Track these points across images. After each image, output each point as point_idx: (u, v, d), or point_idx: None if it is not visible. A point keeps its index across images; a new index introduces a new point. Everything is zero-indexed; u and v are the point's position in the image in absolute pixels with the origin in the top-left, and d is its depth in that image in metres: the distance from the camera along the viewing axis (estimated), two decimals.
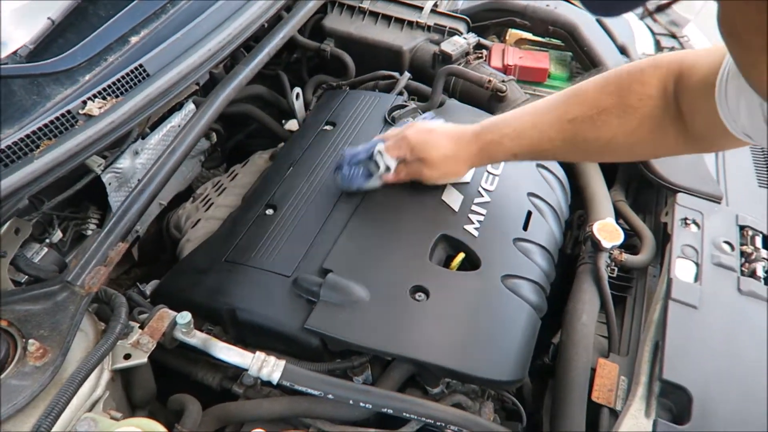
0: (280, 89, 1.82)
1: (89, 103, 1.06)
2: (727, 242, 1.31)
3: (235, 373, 1.11)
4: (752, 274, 1.27)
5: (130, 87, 1.13)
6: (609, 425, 1.10)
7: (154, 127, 1.40)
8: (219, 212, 1.46)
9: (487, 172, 1.32)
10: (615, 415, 1.12)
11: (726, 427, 1.03)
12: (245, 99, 1.76)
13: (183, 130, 1.17)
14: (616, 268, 1.34)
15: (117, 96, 1.10)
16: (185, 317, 0.98)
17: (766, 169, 1.51)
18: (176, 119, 1.48)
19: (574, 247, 1.48)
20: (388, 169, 1.23)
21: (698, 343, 1.14)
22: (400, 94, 1.58)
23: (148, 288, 1.18)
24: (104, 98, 1.08)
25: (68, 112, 1.05)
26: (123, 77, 1.12)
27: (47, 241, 1.23)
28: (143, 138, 1.38)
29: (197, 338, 1.00)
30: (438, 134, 1.23)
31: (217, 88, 1.29)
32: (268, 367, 0.95)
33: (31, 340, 0.88)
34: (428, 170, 1.23)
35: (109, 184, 1.34)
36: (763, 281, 1.25)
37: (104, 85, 1.09)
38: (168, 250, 1.55)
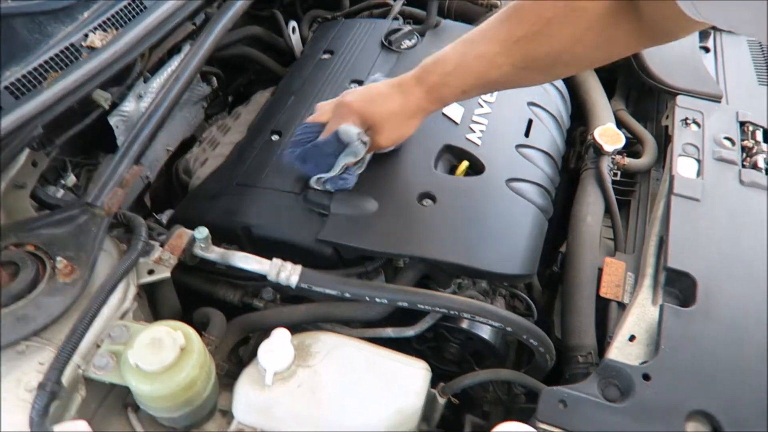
0: (276, 29, 1.83)
1: (91, 35, 1.08)
2: (727, 138, 1.33)
3: (254, 290, 1.15)
4: (753, 166, 1.29)
5: (129, 19, 1.14)
6: (617, 317, 1.14)
7: (154, 71, 1.42)
8: (226, 149, 1.49)
9: None
10: (623, 307, 1.16)
11: (729, 307, 1.06)
12: (243, 41, 1.77)
13: (186, 54, 1.19)
14: (618, 172, 1.37)
15: (117, 28, 1.12)
16: (203, 232, 1.01)
17: (765, 67, 1.51)
18: (176, 62, 1.50)
19: (577, 161, 1.50)
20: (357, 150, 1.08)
21: (701, 233, 1.17)
22: (395, 19, 1.58)
23: (164, 217, 1.22)
24: (105, 30, 1.10)
25: (71, 45, 1.07)
26: (121, 10, 1.14)
27: (63, 183, 1.27)
28: (145, 81, 1.40)
29: (216, 253, 1.04)
30: (378, 90, 1.12)
31: (213, 18, 1.30)
32: (286, 271, 0.99)
33: (58, 258, 0.92)
34: (379, 136, 1.11)
35: (117, 127, 1.37)
36: (764, 172, 1.28)
37: (104, 18, 1.11)
38: (180, 196, 1.59)
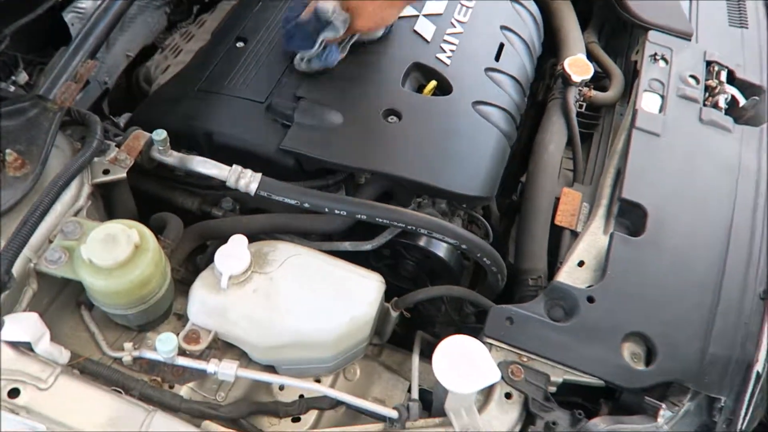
0: None
1: None
2: (692, 76, 1.34)
3: (214, 199, 1.14)
4: (714, 105, 1.31)
5: None
6: (570, 244, 1.18)
7: None
8: (188, 57, 1.43)
9: (461, 4, 1.31)
10: (576, 235, 1.19)
11: (676, 237, 1.11)
12: None
13: None
14: (584, 104, 1.38)
15: None
16: (161, 134, 0.99)
17: (737, 8, 1.52)
18: None
19: (546, 93, 1.50)
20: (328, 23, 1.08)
21: (658, 167, 1.20)
22: None
23: (121, 120, 1.18)
24: None
25: None
26: None
27: (13, 79, 1.22)
28: None
29: (174, 157, 1.02)
30: None
31: None
32: (246, 178, 0.99)
33: (8, 150, 0.89)
34: (359, 18, 1.09)
35: (72, 24, 1.30)
36: (723, 111, 1.30)
37: None
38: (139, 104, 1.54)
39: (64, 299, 0.95)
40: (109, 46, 1.43)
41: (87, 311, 0.96)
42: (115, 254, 0.82)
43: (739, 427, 0.95)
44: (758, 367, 0.98)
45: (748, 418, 0.96)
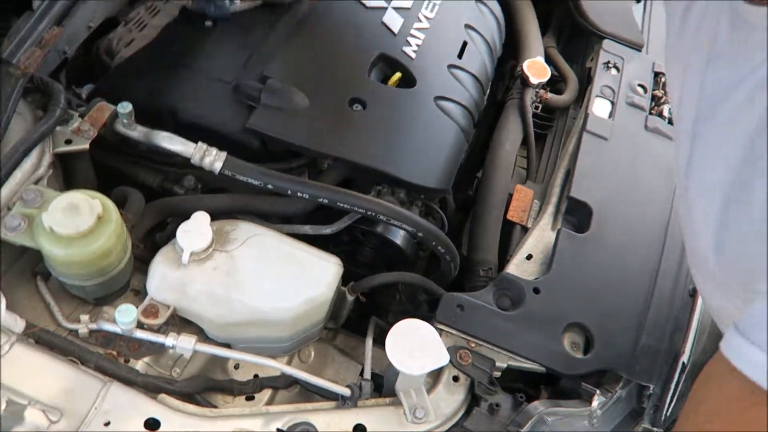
0: None
1: None
2: (641, 85, 1.43)
3: (176, 176, 1.14)
4: (659, 114, 1.40)
5: None
6: (520, 238, 1.24)
7: None
8: (154, 32, 1.41)
9: None
10: (526, 230, 1.26)
11: (618, 235, 1.18)
12: None
13: None
14: (540, 105, 1.44)
15: None
16: (126, 107, 0.99)
17: None
18: None
19: (504, 94, 1.56)
20: None
21: (605, 169, 1.27)
22: None
23: (84, 91, 1.16)
24: None
25: None
26: None
27: None
28: None
29: (138, 131, 1.02)
30: None
31: None
32: (210, 156, 1.00)
33: None
34: None
35: None
36: (667, 120, 1.39)
37: None
38: (98, 77, 1.51)
39: (19, 268, 0.94)
40: (70, 15, 1.40)
41: (43, 282, 0.95)
42: (77, 223, 0.82)
43: (664, 412, 1.04)
44: (684, 358, 1.07)
45: (673, 405, 1.04)
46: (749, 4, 0.64)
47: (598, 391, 1.02)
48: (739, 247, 0.66)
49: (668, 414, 1.04)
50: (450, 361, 0.96)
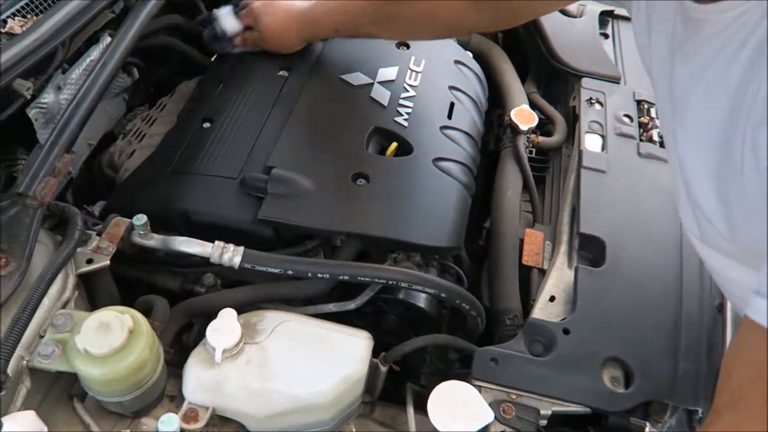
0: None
1: (10, 21, 1.05)
2: (626, 115, 1.47)
3: (195, 276, 1.16)
4: (650, 139, 1.44)
5: (49, 5, 1.12)
6: (539, 281, 1.25)
7: (72, 62, 1.39)
8: (154, 140, 1.47)
9: (411, 69, 1.41)
10: (543, 273, 1.27)
11: (633, 264, 1.19)
12: (162, 30, 1.74)
13: (112, 42, 1.18)
14: (533, 149, 1.48)
15: (37, 14, 1.09)
16: (141, 219, 1.02)
17: None
18: (95, 53, 1.46)
19: (496, 143, 1.61)
20: (224, 34, 1.42)
21: (608, 201, 1.30)
22: None
23: (96, 209, 1.20)
24: (24, 17, 1.07)
25: None
26: None
27: None
28: (64, 73, 1.36)
29: (155, 239, 1.05)
30: (276, 8, 1.38)
31: (135, 7, 1.29)
32: (229, 253, 1.02)
33: None
34: (264, 42, 1.41)
35: (36, 120, 1.32)
36: (658, 144, 1.42)
37: (22, 3, 1.08)
38: (104, 192, 1.55)
39: (55, 393, 0.94)
40: None
41: (80, 403, 0.96)
42: (110, 341, 0.83)
43: None
44: None
45: None
46: (696, 3, 0.70)
47: (648, 424, 1.01)
48: (744, 221, 0.69)
49: None
50: (495, 417, 0.95)
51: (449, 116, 1.35)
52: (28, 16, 1.08)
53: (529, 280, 1.27)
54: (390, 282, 1.05)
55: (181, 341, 1.12)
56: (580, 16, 1.72)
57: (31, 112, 1.29)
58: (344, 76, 1.36)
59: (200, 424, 0.92)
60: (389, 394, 1.19)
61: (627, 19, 1.76)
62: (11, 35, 1.04)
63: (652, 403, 1.04)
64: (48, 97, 1.33)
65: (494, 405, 1.00)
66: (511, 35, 1.80)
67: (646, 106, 1.50)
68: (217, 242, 1.03)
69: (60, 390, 0.96)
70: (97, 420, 0.95)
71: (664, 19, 0.80)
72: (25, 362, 0.86)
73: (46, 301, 0.90)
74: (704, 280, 1.17)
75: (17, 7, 1.08)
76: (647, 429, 1.00)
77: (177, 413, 0.91)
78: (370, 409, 1.16)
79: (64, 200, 1.45)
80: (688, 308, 1.13)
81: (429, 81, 1.39)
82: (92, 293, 1.06)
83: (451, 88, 1.41)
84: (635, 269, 1.19)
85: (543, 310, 1.16)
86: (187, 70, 1.83)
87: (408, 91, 1.35)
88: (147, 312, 1.05)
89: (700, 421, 1.02)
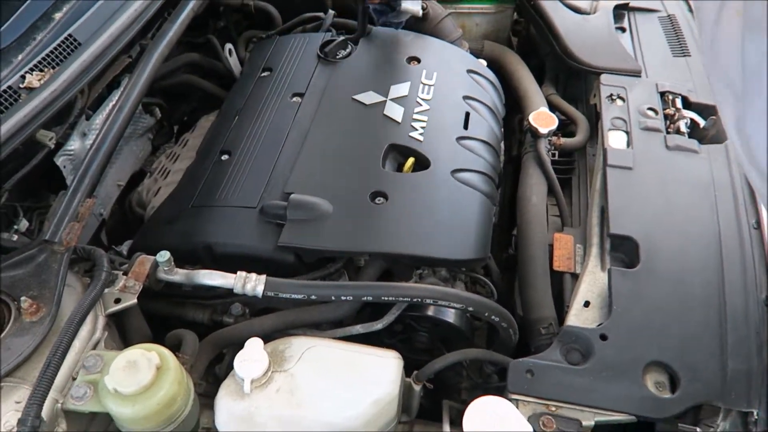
0: (214, 54, 1.85)
1: (28, 76, 1.09)
2: (651, 108, 1.43)
3: (223, 307, 1.17)
4: (677, 131, 1.39)
5: (65, 57, 1.16)
6: (572, 287, 1.21)
7: (95, 108, 1.43)
8: (177, 176, 1.50)
9: (423, 83, 1.40)
10: (576, 277, 1.23)
11: (669, 262, 1.14)
12: (182, 69, 1.79)
13: (126, 86, 1.21)
14: (556, 152, 1.45)
15: (54, 67, 1.13)
16: (164, 255, 1.03)
17: (676, 40, 1.63)
18: (116, 97, 1.51)
19: (519, 148, 1.58)
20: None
21: (637, 198, 1.25)
22: (328, 31, 1.63)
23: (123, 248, 1.22)
24: (41, 71, 1.11)
25: (9, 87, 1.08)
26: (55, 48, 1.16)
27: (15, 228, 1.27)
28: (87, 119, 1.41)
29: (180, 274, 1.06)
30: None
31: (147, 49, 1.32)
32: (251, 282, 1.02)
33: (23, 298, 0.92)
34: None
35: (64, 167, 1.37)
36: (687, 135, 1.37)
37: (38, 58, 1.12)
38: (136, 230, 1.59)
39: None
40: (100, 180, 1.50)
41: None
42: (139, 379, 0.84)
43: None
44: None
45: None
46: None
47: (698, 429, 0.96)
48: None
49: None
50: (534, 431, 0.92)
51: (465, 126, 1.33)
52: (45, 69, 1.12)
53: (562, 286, 1.23)
54: (415, 300, 1.03)
55: (214, 372, 1.13)
56: (593, 12, 1.68)
57: (59, 160, 1.33)
58: (356, 96, 1.36)
59: None
60: (429, 412, 1.16)
61: (643, 11, 1.72)
62: (30, 89, 1.08)
63: (702, 407, 0.99)
64: (74, 144, 1.37)
65: (533, 419, 0.96)
66: (524, 38, 1.78)
67: (671, 97, 1.45)
68: (239, 273, 1.04)
69: (98, 429, 0.97)
70: None
71: None
72: (59, 405, 0.87)
73: (77, 343, 0.92)
74: (747, 273, 1.11)
75: (35, 62, 1.12)
76: None
77: None
78: (408, 428, 1.14)
79: (98, 241, 1.50)
80: (732, 304, 1.07)
81: (442, 93, 1.38)
82: (123, 331, 1.08)
83: (466, 97, 1.39)
84: (672, 267, 1.13)
85: (578, 317, 1.12)
86: (208, 105, 1.87)
87: (421, 105, 1.34)
88: (177, 346, 1.06)
89: (756, 423, 0.96)
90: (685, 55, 1.58)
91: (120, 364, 0.85)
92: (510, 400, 0.97)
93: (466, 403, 1.28)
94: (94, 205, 1.06)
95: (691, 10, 1.71)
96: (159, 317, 1.16)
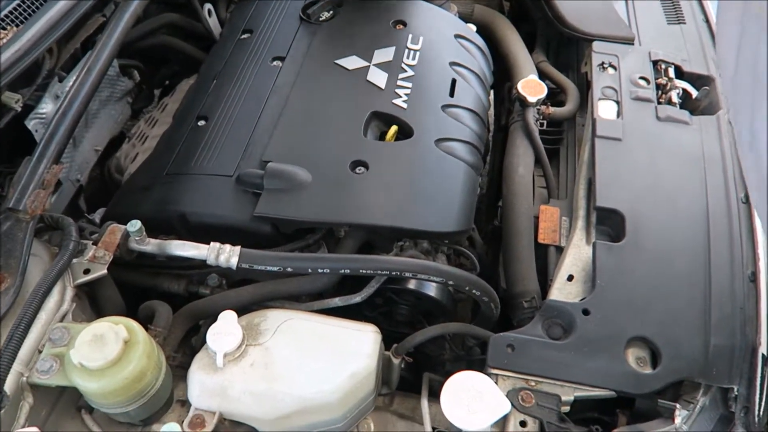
0: (193, 15, 1.78)
1: None
2: (642, 77, 1.39)
3: (199, 278, 1.14)
4: (668, 101, 1.35)
5: (30, 14, 1.10)
6: (557, 260, 1.19)
7: (69, 69, 1.37)
8: (155, 142, 1.45)
9: (408, 48, 1.35)
10: (560, 250, 1.20)
11: (655, 237, 1.12)
12: (161, 29, 1.72)
13: (96, 46, 1.15)
14: (545, 122, 1.41)
15: (17, 25, 1.07)
16: (135, 225, 1.00)
17: (672, 8, 1.57)
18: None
19: (508, 117, 1.54)
20: None
21: (625, 170, 1.22)
22: None
23: (96, 216, 1.19)
24: (4, 28, 1.05)
25: None
26: (19, 5, 1.10)
27: None
28: (60, 81, 1.35)
29: (152, 244, 1.03)
30: None
31: (120, 5, 1.26)
32: (225, 254, 0.99)
33: None
34: None
35: (36, 131, 1.31)
36: (678, 106, 1.34)
37: (1, 15, 1.06)
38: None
39: (62, 407, 0.93)
40: (76, 144, 1.45)
41: (88, 414, 0.94)
42: (105, 353, 0.81)
43: (756, 413, 0.95)
44: (762, 349, 0.98)
45: (764, 402, 0.96)
46: None
47: (678, 405, 0.95)
48: None
49: (761, 413, 0.96)
50: (512, 406, 0.91)
51: (451, 94, 1.29)
52: (8, 27, 1.06)
53: (546, 259, 1.21)
54: (393, 273, 1.01)
55: (191, 344, 1.11)
56: None
57: (30, 124, 1.28)
58: (339, 61, 1.31)
59: (207, 430, 0.90)
60: (411, 385, 1.15)
61: None
62: None
63: (683, 383, 0.98)
64: (46, 107, 1.32)
65: (512, 393, 0.95)
66: (516, 2, 1.72)
67: (663, 66, 1.41)
68: (212, 244, 1.00)
69: (67, 402, 0.95)
70: (107, 430, 0.94)
71: None
72: (24, 378, 0.84)
73: (44, 315, 0.89)
74: (734, 248, 1.09)
75: None
76: (677, 411, 0.94)
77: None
78: (389, 400, 1.13)
79: (76, 208, 1.46)
80: (718, 280, 1.05)
81: (428, 59, 1.33)
82: (96, 303, 1.05)
83: (452, 64, 1.34)
84: (658, 241, 1.11)
85: (561, 291, 1.10)
86: (190, 68, 1.81)
87: (406, 71, 1.29)
88: (150, 318, 1.03)
89: (737, 399, 0.95)
90: (680, 23, 1.53)
91: (86, 338, 0.82)
92: (490, 374, 0.96)
93: (447, 376, 1.28)
94: (62, 171, 1.02)
95: None
96: (133, 287, 1.13)
